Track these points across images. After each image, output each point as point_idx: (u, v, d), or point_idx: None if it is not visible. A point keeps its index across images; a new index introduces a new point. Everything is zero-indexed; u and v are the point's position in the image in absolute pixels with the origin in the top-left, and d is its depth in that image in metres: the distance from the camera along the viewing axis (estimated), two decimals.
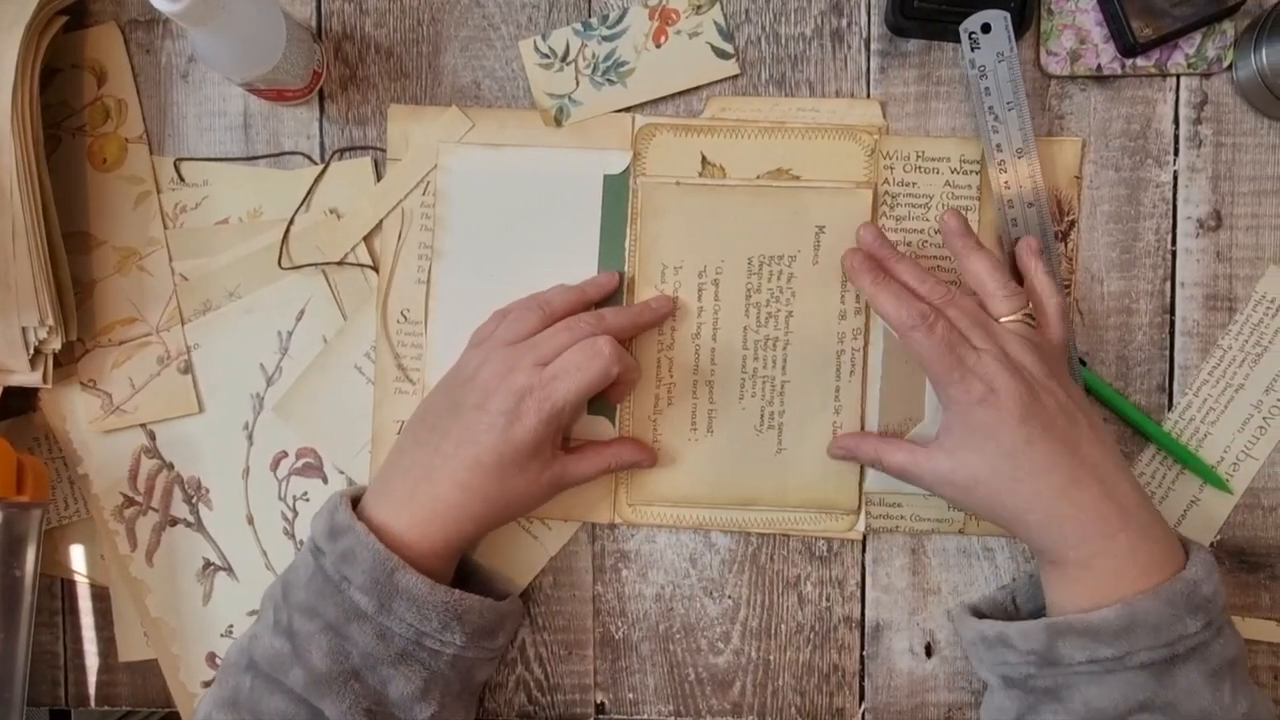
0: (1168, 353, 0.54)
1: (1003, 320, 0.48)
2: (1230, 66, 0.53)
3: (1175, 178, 0.54)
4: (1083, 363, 0.54)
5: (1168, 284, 0.54)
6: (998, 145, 0.52)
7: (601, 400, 0.54)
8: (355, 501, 0.49)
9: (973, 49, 0.51)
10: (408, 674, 0.46)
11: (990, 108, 0.52)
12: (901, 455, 0.49)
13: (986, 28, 0.51)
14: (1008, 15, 0.51)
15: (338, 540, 0.46)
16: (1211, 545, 0.54)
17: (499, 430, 0.47)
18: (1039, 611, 0.50)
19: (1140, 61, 0.53)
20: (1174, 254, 0.54)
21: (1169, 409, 0.54)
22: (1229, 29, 0.53)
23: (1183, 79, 0.54)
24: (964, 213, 0.53)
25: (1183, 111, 0.54)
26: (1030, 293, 0.50)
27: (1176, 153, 0.54)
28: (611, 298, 0.54)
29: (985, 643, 0.48)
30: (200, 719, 0.47)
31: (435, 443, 0.48)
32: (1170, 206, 0.54)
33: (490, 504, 0.48)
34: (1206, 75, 0.54)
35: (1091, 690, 0.44)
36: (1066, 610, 0.46)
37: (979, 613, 0.51)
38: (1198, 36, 0.53)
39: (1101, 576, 0.45)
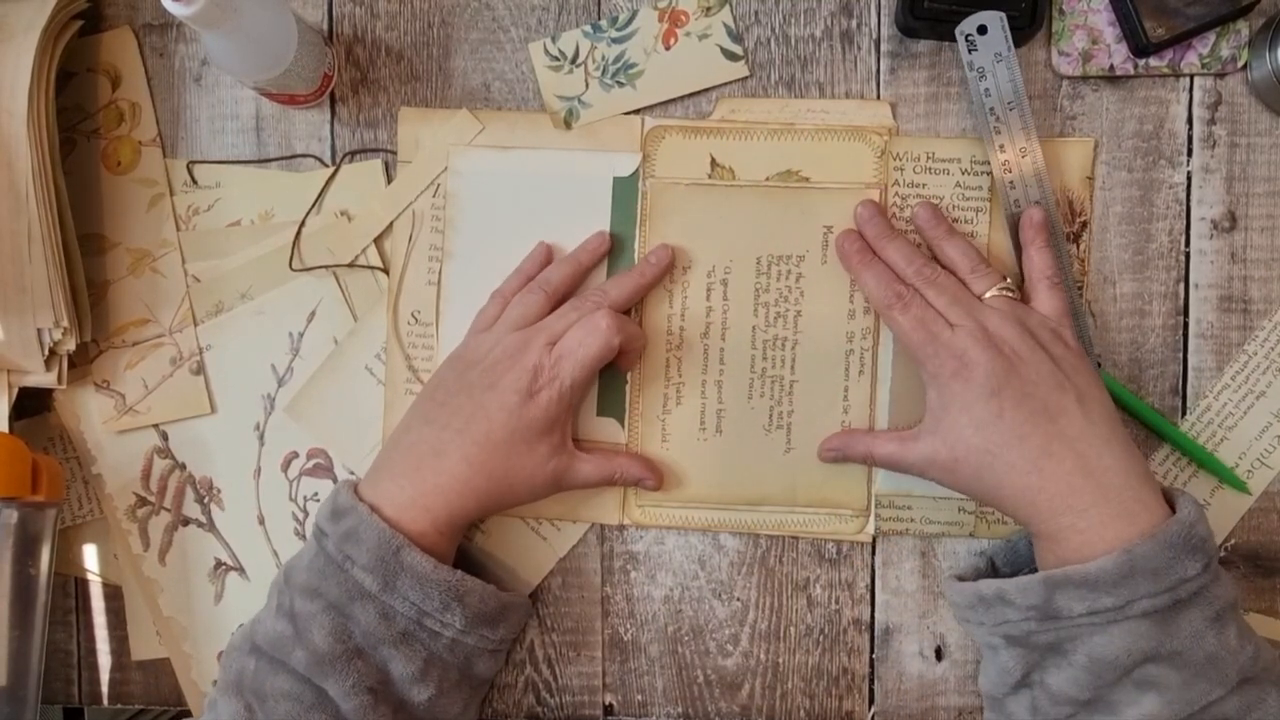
0: (1181, 355, 0.54)
1: (984, 298, 0.49)
2: (1245, 66, 0.53)
3: (1189, 179, 0.54)
4: (1098, 365, 0.53)
5: (1181, 286, 0.54)
6: (1000, 145, 0.52)
7: (610, 399, 0.54)
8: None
9: (970, 51, 0.51)
10: (408, 654, 0.46)
11: (991, 109, 0.51)
12: (890, 445, 0.50)
13: (983, 29, 0.51)
14: (1003, 15, 0.51)
15: (340, 521, 0.47)
16: (1224, 549, 0.53)
17: (512, 408, 0.48)
18: (1019, 572, 0.49)
19: (1153, 61, 0.53)
20: (1187, 256, 0.54)
21: (1182, 412, 0.54)
22: (1244, 28, 0.53)
23: (1196, 79, 0.54)
24: (975, 215, 0.53)
25: (1196, 112, 0.54)
26: (1026, 264, 0.51)
27: (1190, 153, 0.54)
28: (607, 258, 0.54)
29: (984, 603, 0.47)
30: (207, 705, 0.47)
31: (444, 420, 0.49)
32: (1184, 208, 0.54)
33: (495, 481, 0.48)
34: (1221, 75, 0.53)
35: (1095, 641, 0.43)
36: None
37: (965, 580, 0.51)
38: (1212, 36, 0.53)
39: (1071, 549, 0.45)
